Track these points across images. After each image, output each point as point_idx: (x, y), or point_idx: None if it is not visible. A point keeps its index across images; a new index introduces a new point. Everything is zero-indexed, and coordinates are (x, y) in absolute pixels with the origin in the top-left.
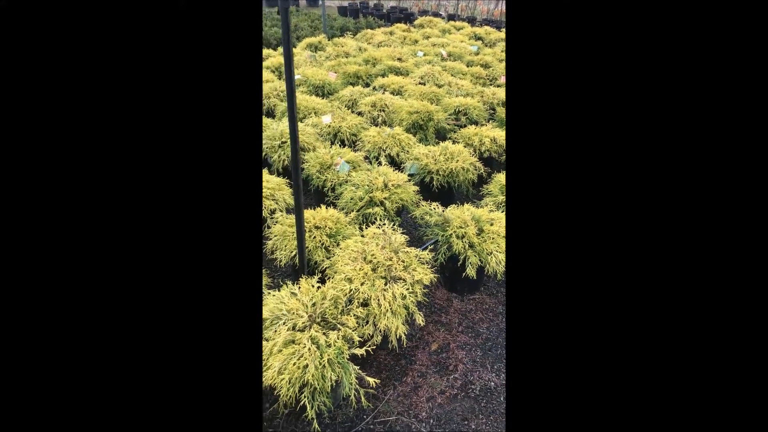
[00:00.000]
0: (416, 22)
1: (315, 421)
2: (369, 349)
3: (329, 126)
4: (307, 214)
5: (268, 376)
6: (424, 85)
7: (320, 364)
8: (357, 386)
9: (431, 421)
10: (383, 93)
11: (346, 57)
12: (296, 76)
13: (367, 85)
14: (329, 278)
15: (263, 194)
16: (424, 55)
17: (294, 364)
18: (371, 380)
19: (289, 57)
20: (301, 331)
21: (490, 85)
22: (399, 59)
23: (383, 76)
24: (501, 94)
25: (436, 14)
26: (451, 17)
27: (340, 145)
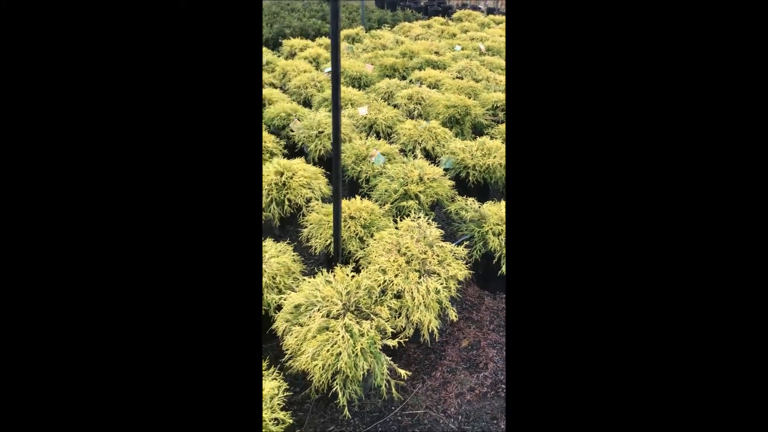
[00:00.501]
0: (454, 16)
1: (346, 408)
2: (401, 341)
3: (365, 117)
4: (342, 204)
5: (302, 361)
6: (462, 79)
7: (353, 352)
8: (388, 377)
9: (460, 417)
10: (420, 86)
11: (383, 49)
12: None
13: (404, 77)
14: (363, 268)
15: (300, 183)
16: (462, 49)
17: (327, 351)
18: (403, 372)
19: (336, 46)
20: (335, 318)
21: None
22: (436, 53)
23: (420, 69)
24: None
25: (475, 8)
26: (490, 11)
27: (375, 137)
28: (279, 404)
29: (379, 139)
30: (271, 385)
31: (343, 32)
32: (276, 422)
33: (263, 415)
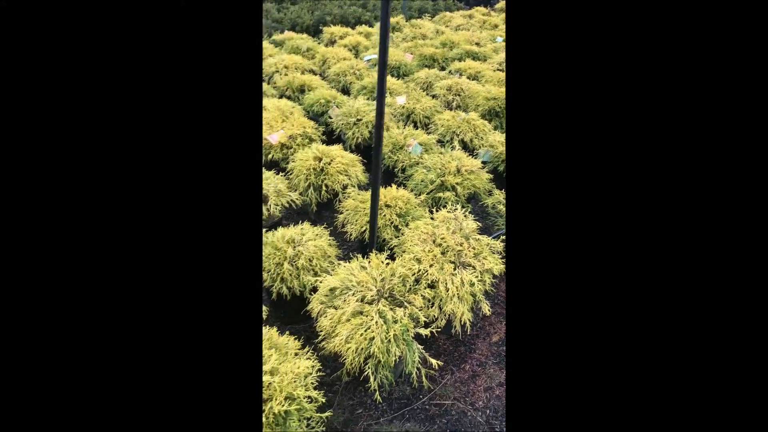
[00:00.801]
0: (497, 6)
1: (377, 392)
2: (433, 330)
3: (403, 107)
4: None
5: (336, 343)
6: (503, 71)
7: (386, 338)
8: (419, 365)
9: (488, 411)
10: (459, 77)
11: (423, 39)
12: (372, 56)
13: (443, 68)
14: (398, 256)
15: (337, 169)
16: (504, 40)
17: (361, 334)
18: (434, 362)
19: (385, 35)
20: (369, 304)
21: None
22: (477, 44)
23: (460, 60)
24: None
25: None
26: None
27: (413, 127)
28: (312, 383)
29: (417, 128)
30: (306, 364)
31: None
32: (309, 400)
33: (297, 392)
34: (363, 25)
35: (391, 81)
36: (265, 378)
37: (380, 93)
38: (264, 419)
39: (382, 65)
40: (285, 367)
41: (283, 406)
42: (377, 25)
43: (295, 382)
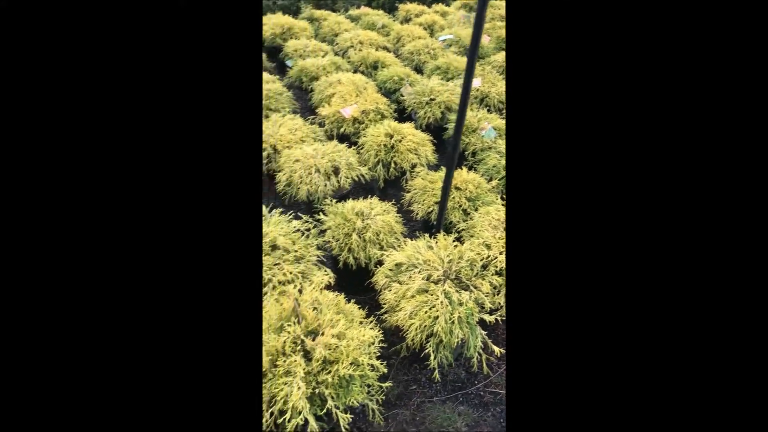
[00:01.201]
0: None
1: (436, 370)
2: (498, 318)
3: (477, 90)
4: None
5: (399, 317)
6: None
7: (450, 319)
8: (480, 350)
9: None
10: None
11: (502, 20)
12: (448, 36)
13: None
14: (466, 240)
15: (408, 147)
16: None
17: (425, 312)
18: (497, 349)
19: (483, 4)
20: (435, 283)
21: None
22: None
23: None
24: None
25: None
26: None
27: (486, 110)
28: (375, 353)
29: (491, 112)
30: (371, 333)
31: (461, 0)
32: (371, 368)
33: (362, 358)
34: (439, 4)
35: (466, 62)
36: (332, 341)
37: (468, 73)
38: (330, 379)
39: (475, 42)
40: (351, 333)
41: (348, 370)
42: (454, 3)
43: (359, 348)
